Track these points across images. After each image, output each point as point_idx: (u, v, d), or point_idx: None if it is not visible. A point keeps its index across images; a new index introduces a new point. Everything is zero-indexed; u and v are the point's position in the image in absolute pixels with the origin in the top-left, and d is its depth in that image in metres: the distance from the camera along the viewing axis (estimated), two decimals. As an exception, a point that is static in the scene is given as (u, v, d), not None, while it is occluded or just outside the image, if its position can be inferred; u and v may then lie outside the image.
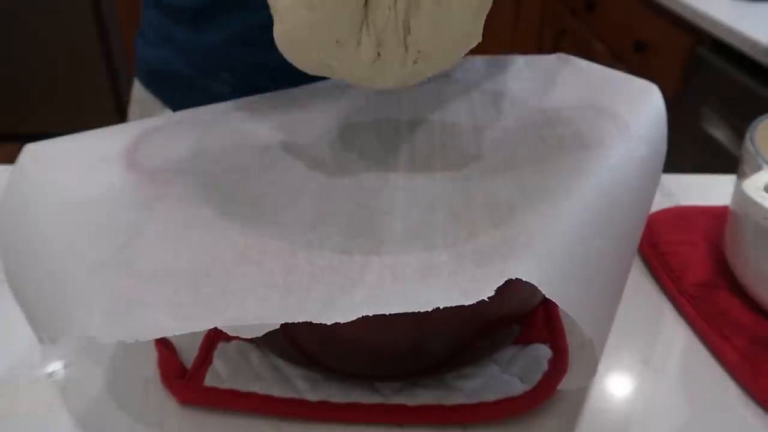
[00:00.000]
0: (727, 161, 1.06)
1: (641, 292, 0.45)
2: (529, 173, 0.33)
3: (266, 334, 0.35)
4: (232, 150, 0.37)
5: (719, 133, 1.11)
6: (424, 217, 0.31)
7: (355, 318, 0.24)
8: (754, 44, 1.01)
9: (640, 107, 0.39)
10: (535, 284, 0.24)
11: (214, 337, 0.39)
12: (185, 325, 0.25)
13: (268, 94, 0.45)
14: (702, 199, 0.55)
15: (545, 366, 0.37)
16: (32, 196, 0.32)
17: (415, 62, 0.31)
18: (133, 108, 0.70)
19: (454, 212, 0.31)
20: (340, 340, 0.34)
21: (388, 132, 0.40)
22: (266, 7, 0.31)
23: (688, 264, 0.46)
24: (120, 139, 0.39)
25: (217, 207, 0.32)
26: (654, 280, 0.46)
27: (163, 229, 0.30)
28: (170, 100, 0.64)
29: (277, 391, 0.35)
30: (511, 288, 0.25)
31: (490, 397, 0.35)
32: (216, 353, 0.38)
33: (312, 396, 0.35)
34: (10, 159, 2.36)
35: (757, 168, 0.38)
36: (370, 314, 0.24)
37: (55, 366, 0.38)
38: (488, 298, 0.24)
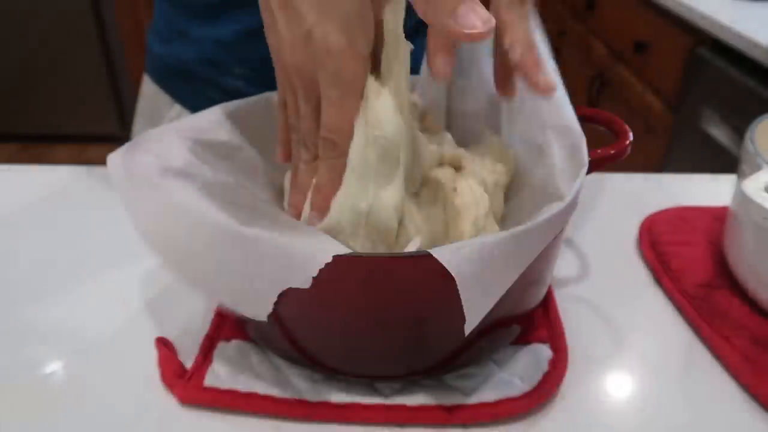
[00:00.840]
0: (727, 161, 1.06)
1: (641, 292, 0.45)
2: None
3: (266, 334, 0.35)
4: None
5: (719, 133, 1.11)
6: None
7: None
8: (754, 44, 1.00)
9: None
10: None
11: (214, 337, 0.39)
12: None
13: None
14: (702, 199, 0.55)
15: (545, 366, 0.37)
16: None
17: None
18: (141, 104, 0.70)
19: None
20: (340, 339, 0.34)
21: None
22: None
23: (688, 264, 0.46)
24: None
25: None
26: (654, 280, 0.46)
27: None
28: (181, 95, 0.64)
29: (277, 391, 0.35)
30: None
31: (490, 397, 0.35)
32: (216, 353, 0.38)
33: (312, 396, 0.35)
34: (10, 159, 2.36)
35: (757, 168, 0.38)
36: None
37: (55, 366, 0.38)
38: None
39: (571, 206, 0.33)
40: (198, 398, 0.35)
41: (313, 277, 0.28)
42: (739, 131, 1.04)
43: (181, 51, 0.61)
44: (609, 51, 1.62)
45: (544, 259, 0.34)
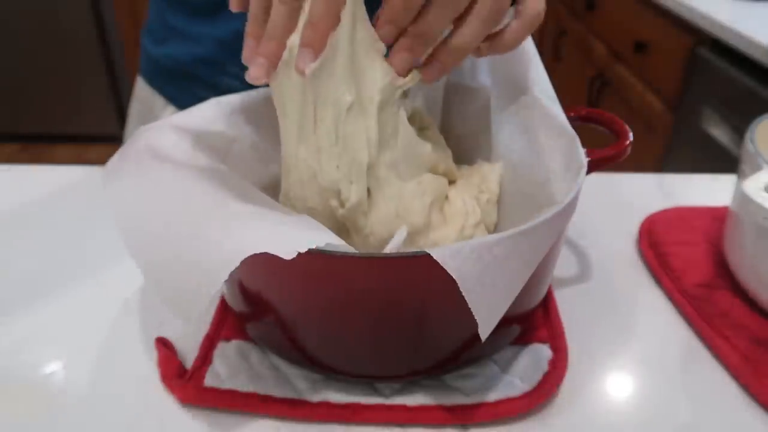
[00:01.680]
0: (727, 161, 1.06)
1: (641, 292, 0.45)
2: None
3: (266, 334, 0.35)
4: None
5: (719, 133, 1.11)
6: None
7: None
8: (754, 44, 1.00)
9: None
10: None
11: (214, 337, 0.39)
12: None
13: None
14: (702, 199, 0.55)
15: (545, 366, 0.37)
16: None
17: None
18: (134, 105, 0.70)
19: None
20: (340, 339, 0.34)
21: None
22: None
23: (688, 264, 0.46)
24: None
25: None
26: (654, 280, 0.46)
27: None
28: (175, 96, 0.64)
29: (277, 391, 0.35)
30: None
31: (490, 397, 0.35)
32: (216, 353, 0.38)
33: (312, 396, 0.35)
34: (10, 159, 2.36)
35: (757, 168, 0.38)
36: None
37: (55, 366, 0.38)
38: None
39: (572, 206, 0.33)
40: (198, 398, 0.35)
41: (313, 277, 0.28)
42: (739, 131, 1.04)
43: (176, 50, 0.61)
44: (609, 51, 1.62)
45: (544, 259, 0.34)
